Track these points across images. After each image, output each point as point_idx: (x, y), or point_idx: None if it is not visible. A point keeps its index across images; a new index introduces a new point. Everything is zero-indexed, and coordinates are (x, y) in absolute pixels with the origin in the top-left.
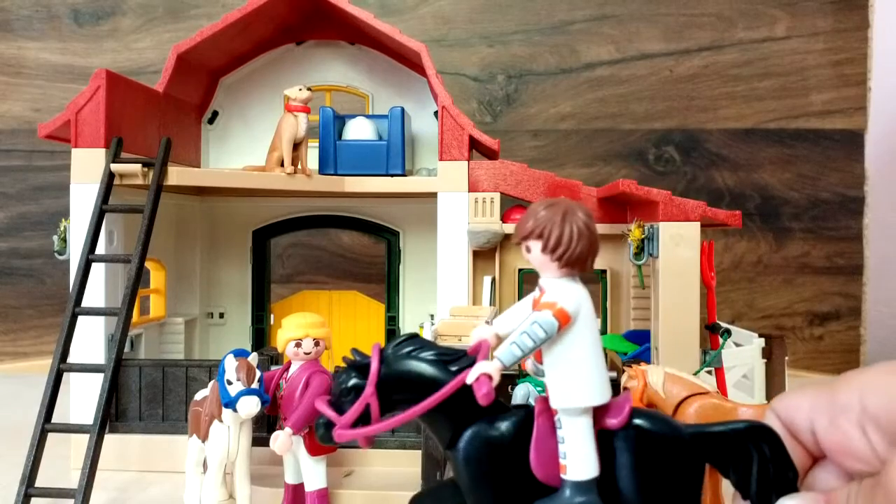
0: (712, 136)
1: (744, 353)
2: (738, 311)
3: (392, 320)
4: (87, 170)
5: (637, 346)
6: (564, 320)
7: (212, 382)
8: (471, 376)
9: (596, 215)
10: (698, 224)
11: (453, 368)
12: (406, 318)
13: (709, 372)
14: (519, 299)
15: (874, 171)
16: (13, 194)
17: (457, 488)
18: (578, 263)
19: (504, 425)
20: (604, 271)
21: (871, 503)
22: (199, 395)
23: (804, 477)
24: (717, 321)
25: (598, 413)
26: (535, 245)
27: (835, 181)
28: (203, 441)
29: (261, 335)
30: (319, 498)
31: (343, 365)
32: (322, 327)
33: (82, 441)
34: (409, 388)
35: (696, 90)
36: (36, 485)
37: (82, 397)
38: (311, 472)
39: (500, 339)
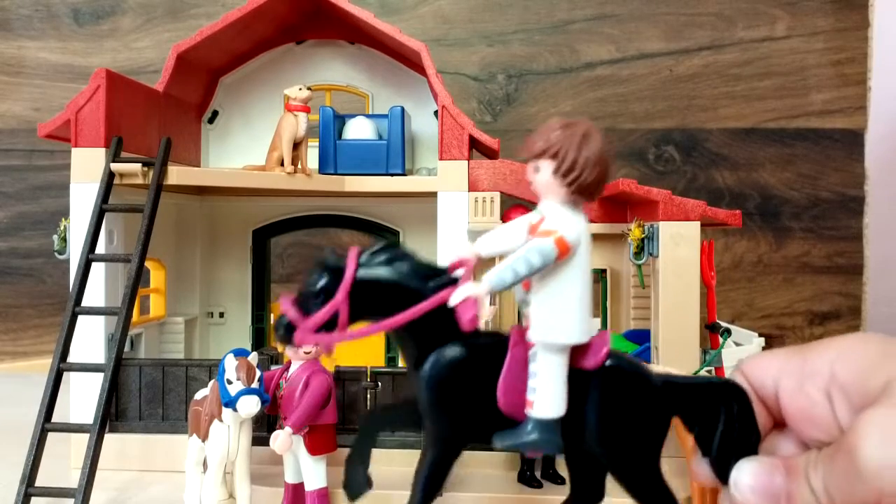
0: (712, 136)
1: (744, 352)
2: (738, 310)
3: None
4: (86, 169)
5: (637, 346)
6: (564, 251)
7: (212, 382)
8: (455, 297)
9: (596, 215)
10: (698, 223)
11: (431, 284)
12: None
13: (709, 371)
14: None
15: (874, 170)
16: (13, 194)
17: (414, 407)
18: (588, 192)
19: (475, 351)
20: (604, 271)
21: (831, 467)
22: (199, 395)
23: (763, 441)
24: (717, 321)
25: (575, 352)
26: (547, 166)
27: (835, 181)
28: (203, 440)
29: (261, 335)
30: (319, 497)
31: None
32: None
33: (82, 440)
34: (382, 299)
35: (696, 90)
36: (36, 484)
37: (82, 397)
38: (311, 472)
39: (481, 261)
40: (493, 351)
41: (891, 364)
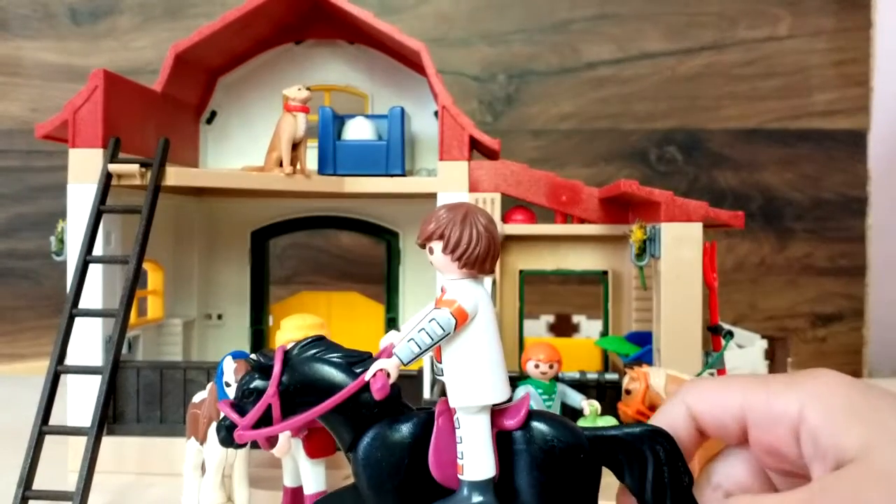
0: (714, 136)
1: (746, 354)
2: (741, 312)
3: (392, 321)
4: (84, 170)
5: (639, 348)
6: (462, 318)
7: (210, 384)
8: (369, 373)
9: (598, 216)
10: (700, 225)
11: (358, 370)
12: (406, 319)
13: (711, 374)
14: (520, 300)
15: (877, 171)
16: (10, 195)
17: (357, 492)
18: (478, 264)
19: (405, 427)
20: (605, 272)
21: None
22: (197, 398)
23: (704, 465)
24: (720, 323)
25: (497, 415)
26: (437, 246)
27: (837, 181)
28: (201, 443)
29: (259, 337)
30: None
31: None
32: (321, 329)
33: (80, 443)
34: (312, 390)
35: (698, 90)
36: (33, 487)
37: (80, 399)
38: (310, 475)
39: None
40: (422, 425)
41: (864, 419)
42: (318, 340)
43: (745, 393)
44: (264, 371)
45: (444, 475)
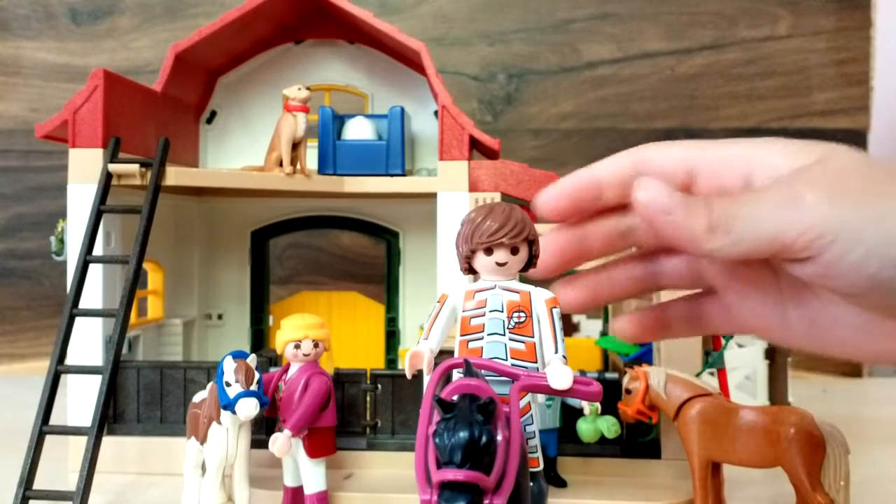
0: (714, 136)
1: (746, 354)
2: None
3: (392, 321)
4: (84, 170)
5: (639, 348)
6: None
7: (210, 384)
8: (564, 381)
9: None
10: None
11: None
12: (406, 319)
13: (711, 373)
14: None
15: None
16: (10, 195)
17: None
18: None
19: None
20: None
21: (753, 198)
22: (197, 397)
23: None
24: None
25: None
26: (524, 247)
27: None
28: (201, 443)
29: (259, 336)
30: (319, 501)
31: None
32: (321, 329)
33: (80, 443)
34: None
35: (698, 89)
36: (34, 487)
37: (80, 399)
38: (311, 475)
39: (434, 355)
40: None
41: (815, 150)
42: (467, 363)
43: (695, 146)
44: (484, 409)
45: None
